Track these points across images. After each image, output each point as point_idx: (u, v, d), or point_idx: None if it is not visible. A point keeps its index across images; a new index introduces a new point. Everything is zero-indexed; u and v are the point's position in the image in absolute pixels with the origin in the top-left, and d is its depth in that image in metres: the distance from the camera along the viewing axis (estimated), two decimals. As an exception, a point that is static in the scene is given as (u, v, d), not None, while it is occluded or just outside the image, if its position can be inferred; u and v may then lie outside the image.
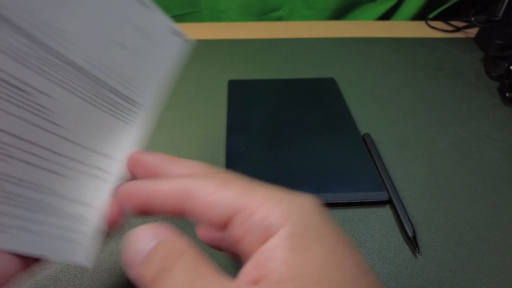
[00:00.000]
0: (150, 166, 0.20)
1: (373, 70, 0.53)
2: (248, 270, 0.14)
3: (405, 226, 0.30)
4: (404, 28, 0.67)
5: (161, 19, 0.23)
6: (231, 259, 0.27)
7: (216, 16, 0.73)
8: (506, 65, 0.45)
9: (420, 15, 0.72)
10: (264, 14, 0.73)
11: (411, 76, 0.51)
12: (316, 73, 0.51)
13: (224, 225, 0.16)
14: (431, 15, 0.71)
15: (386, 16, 0.74)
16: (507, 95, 0.45)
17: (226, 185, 0.16)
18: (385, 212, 0.33)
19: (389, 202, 0.33)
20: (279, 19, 0.74)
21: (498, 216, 0.32)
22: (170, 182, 0.17)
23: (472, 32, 0.63)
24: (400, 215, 0.31)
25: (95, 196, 0.20)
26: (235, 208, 0.15)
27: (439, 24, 0.68)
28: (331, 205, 0.32)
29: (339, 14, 0.73)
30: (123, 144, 0.22)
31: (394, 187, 0.34)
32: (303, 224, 0.14)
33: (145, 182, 0.18)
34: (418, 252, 0.29)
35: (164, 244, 0.15)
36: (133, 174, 0.21)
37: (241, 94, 0.46)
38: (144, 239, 0.15)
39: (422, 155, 0.38)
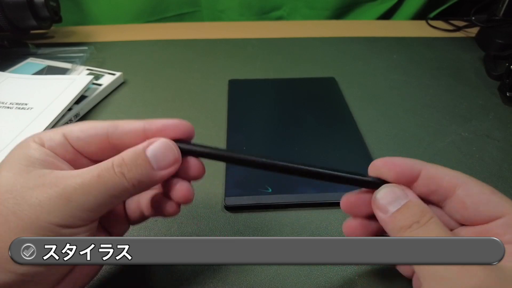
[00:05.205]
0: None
1: (373, 69, 0.53)
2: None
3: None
4: (404, 27, 0.67)
5: None
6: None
7: (216, 16, 0.73)
8: (507, 64, 0.45)
9: (421, 15, 0.72)
10: (264, 14, 0.73)
11: (412, 75, 0.51)
12: (316, 72, 0.51)
13: (477, 223, 0.19)
14: (432, 15, 0.71)
15: (387, 15, 0.74)
16: (507, 94, 0.45)
17: (495, 192, 0.19)
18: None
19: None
20: (279, 18, 0.74)
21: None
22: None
23: (473, 31, 0.63)
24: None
25: None
26: (500, 212, 0.19)
27: (439, 23, 0.68)
28: (332, 204, 0.32)
29: (340, 13, 0.73)
30: None
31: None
32: None
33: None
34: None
35: (415, 204, 0.19)
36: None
37: (242, 94, 0.46)
38: (397, 194, 0.20)
39: (423, 154, 0.38)
